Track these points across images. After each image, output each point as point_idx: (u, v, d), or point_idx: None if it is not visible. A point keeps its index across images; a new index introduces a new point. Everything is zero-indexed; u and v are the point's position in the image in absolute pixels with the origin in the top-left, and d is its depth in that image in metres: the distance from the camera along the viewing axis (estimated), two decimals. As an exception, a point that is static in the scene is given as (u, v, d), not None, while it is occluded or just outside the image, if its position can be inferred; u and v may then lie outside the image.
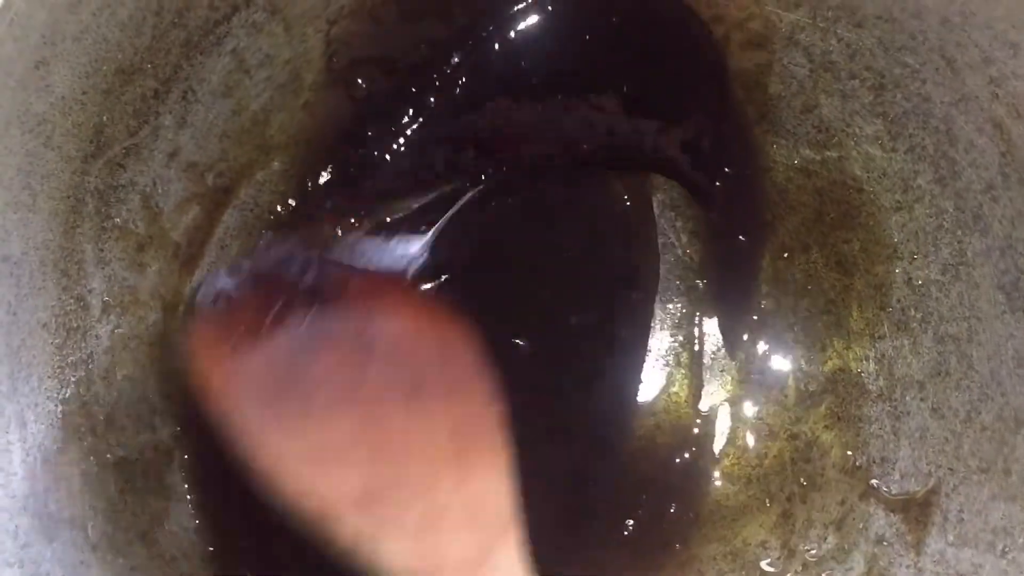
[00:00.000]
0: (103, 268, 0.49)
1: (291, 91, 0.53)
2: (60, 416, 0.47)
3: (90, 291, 0.48)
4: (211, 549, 0.51)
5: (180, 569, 0.50)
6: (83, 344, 0.48)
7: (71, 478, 0.47)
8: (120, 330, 0.49)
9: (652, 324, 0.62)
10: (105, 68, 0.46)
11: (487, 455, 0.44)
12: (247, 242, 0.53)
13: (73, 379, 0.47)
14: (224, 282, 0.47)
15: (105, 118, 0.47)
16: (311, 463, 0.42)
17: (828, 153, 0.57)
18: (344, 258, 0.53)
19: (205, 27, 0.49)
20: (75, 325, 0.48)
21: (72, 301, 0.47)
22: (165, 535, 0.50)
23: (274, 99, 0.53)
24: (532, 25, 0.57)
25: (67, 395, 0.47)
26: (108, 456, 0.48)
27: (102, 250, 0.48)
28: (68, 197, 0.47)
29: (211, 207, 0.52)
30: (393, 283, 0.53)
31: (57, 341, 0.47)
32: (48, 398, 0.46)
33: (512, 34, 0.57)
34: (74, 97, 0.45)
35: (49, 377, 0.46)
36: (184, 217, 0.51)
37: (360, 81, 0.55)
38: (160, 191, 0.50)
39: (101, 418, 0.48)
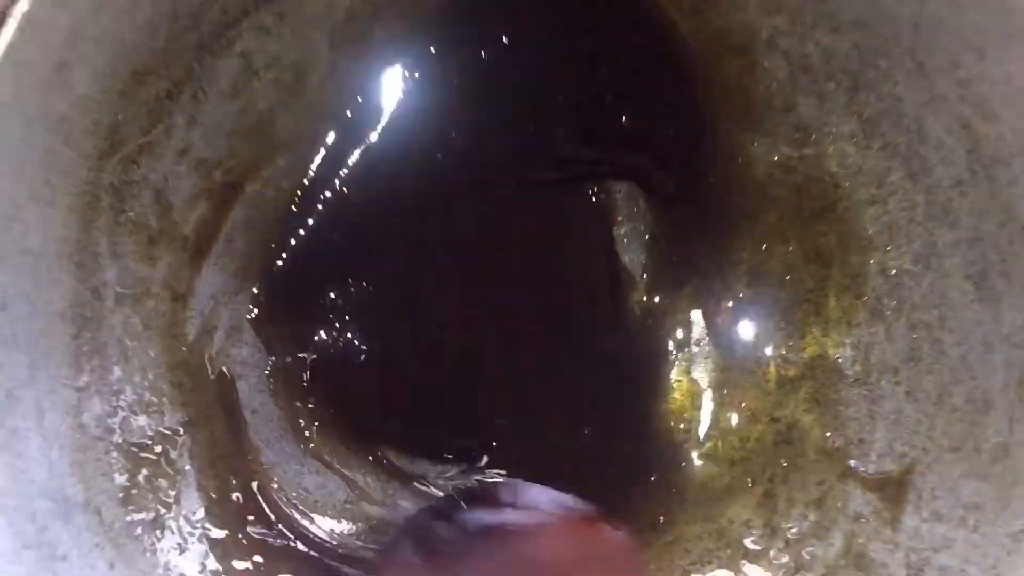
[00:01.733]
0: (117, 261, 0.51)
1: (296, 91, 0.55)
2: (75, 403, 0.48)
3: (104, 283, 0.50)
4: (218, 534, 0.53)
5: (189, 554, 0.51)
6: (98, 333, 0.50)
7: (84, 464, 0.48)
8: (133, 320, 0.51)
9: (638, 318, 0.65)
10: (121, 69, 0.48)
11: None
12: (253, 236, 0.55)
13: (88, 367, 0.49)
14: (404, 546, 0.51)
15: (120, 117, 0.49)
16: None
17: (806, 151, 0.60)
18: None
19: (216, 30, 0.51)
20: (89, 315, 0.50)
21: (87, 292, 0.49)
22: (175, 519, 0.51)
23: (280, 99, 0.55)
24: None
25: (82, 383, 0.49)
26: (120, 441, 0.50)
27: (116, 244, 0.50)
28: (84, 193, 0.49)
29: (219, 202, 0.55)
30: (551, 518, 0.55)
31: (72, 331, 0.49)
32: (64, 385, 0.48)
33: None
34: (92, 97, 0.47)
35: (67, 365, 0.48)
36: (193, 212, 0.54)
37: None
38: (171, 187, 0.52)
39: (114, 404, 0.50)
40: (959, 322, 0.56)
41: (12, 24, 0.44)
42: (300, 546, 0.54)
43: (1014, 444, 0.53)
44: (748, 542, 0.59)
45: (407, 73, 0.59)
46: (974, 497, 0.54)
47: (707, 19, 0.58)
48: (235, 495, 0.54)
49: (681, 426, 0.63)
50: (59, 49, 0.45)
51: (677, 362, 0.64)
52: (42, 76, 0.45)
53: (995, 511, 0.53)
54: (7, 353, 0.45)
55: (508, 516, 0.52)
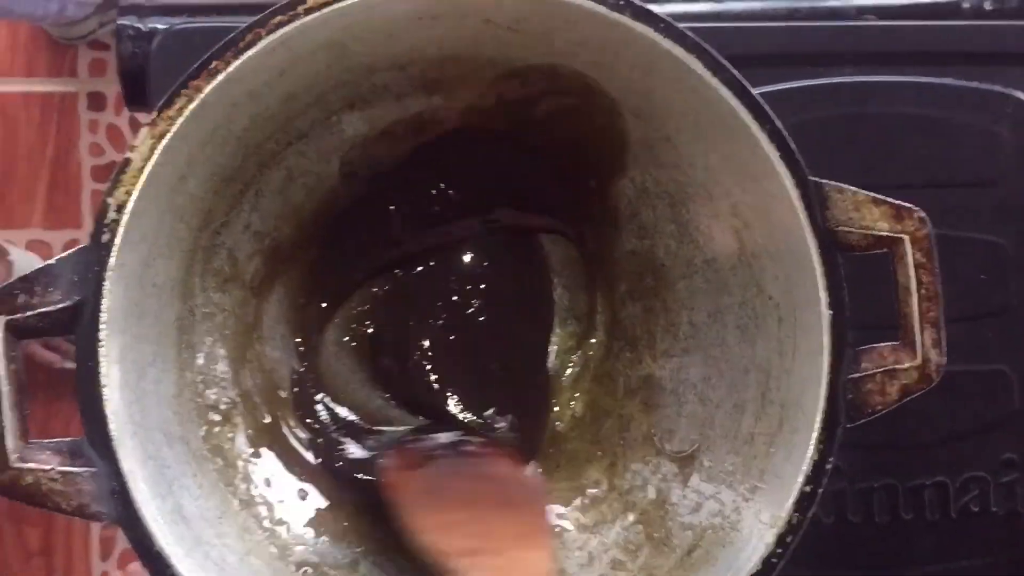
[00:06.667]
0: (203, 292, 0.82)
1: (317, 190, 0.88)
2: (176, 378, 0.80)
3: (196, 305, 0.81)
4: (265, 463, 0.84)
5: (243, 472, 0.83)
6: (191, 336, 0.81)
7: (180, 413, 0.78)
8: (211, 329, 0.83)
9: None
10: (215, 178, 0.79)
11: (536, 547, 0.78)
12: (287, 281, 0.88)
13: (185, 356, 0.81)
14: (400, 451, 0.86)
15: (212, 206, 0.80)
16: (440, 531, 0.77)
17: (645, 242, 0.83)
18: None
19: (271, 154, 0.82)
20: (187, 324, 0.81)
21: (187, 311, 0.80)
22: (232, 451, 0.83)
23: (307, 196, 0.87)
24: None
25: (181, 365, 0.80)
26: (200, 402, 0.81)
27: (204, 282, 0.82)
28: (189, 251, 0.79)
29: (267, 258, 0.86)
30: (490, 449, 0.89)
31: (177, 334, 0.80)
32: (171, 366, 0.78)
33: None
34: (198, 195, 0.78)
35: (174, 355, 0.79)
36: (251, 264, 0.85)
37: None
38: (238, 249, 0.83)
39: (198, 379, 0.81)
40: (731, 356, 0.85)
41: (156, 153, 0.75)
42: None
43: (756, 434, 0.84)
44: (592, 492, 0.90)
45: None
46: (731, 466, 0.84)
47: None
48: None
49: (561, 420, 0.95)
50: (181, 167, 0.76)
51: (564, 381, 0.96)
52: (171, 183, 0.74)
53: (742, 475, 0.83)
54: (143, 344, 0.75)
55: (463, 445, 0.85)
